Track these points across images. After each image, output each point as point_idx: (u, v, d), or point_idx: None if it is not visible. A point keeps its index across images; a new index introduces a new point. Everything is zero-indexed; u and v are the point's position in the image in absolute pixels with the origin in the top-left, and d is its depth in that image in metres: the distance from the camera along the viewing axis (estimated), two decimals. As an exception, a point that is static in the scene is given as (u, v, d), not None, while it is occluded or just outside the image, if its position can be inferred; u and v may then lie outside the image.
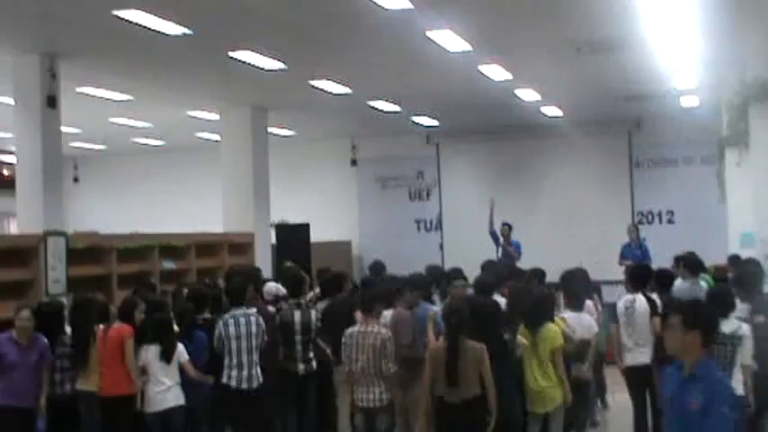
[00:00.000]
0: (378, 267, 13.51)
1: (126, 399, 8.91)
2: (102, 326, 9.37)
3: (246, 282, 9.89)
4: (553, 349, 8.75)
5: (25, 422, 9.22)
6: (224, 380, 9.21)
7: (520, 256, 16.97)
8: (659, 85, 16.11)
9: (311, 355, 9.92)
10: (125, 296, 10.44)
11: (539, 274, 11.36)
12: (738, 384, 8.42)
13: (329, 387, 10.63)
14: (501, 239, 17.83)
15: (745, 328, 8.62)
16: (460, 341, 7.68)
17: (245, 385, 9.15)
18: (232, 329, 9.16)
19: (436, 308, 9.47)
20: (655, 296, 9.88)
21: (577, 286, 10.50)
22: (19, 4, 10.66)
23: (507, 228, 18.02)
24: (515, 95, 16.89)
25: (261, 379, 9.28)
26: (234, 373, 9.16)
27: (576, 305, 10.34)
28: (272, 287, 11.15)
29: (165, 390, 8.83)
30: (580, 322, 10.28)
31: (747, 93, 10.57)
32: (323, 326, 9.94)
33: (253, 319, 9.32)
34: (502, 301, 9.36)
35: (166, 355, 8.88)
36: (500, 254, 17.52)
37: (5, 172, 23.18)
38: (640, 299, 9.87)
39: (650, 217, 20.92)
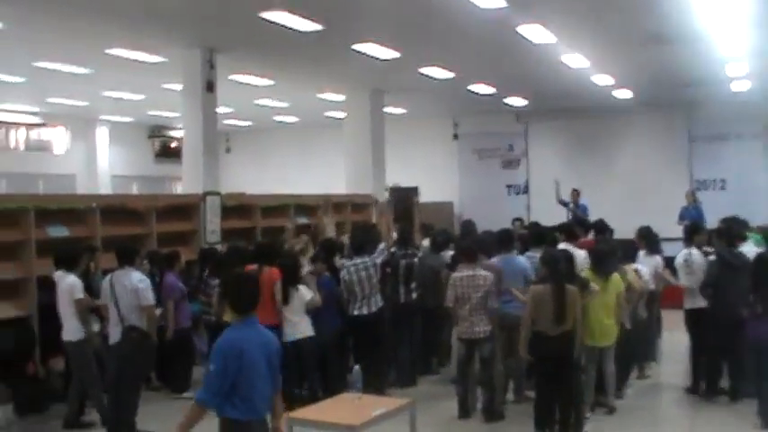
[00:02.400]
0: (468, 225, 13.12)
1: (272, 328, 8.98)
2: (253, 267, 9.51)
3: (367, 238, 10.17)
4: (618, 293, 8.66)
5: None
6: (351, 313, 9.56)
7: (587, 216, 16.61)
8: (713, 72, 15.56)
9: (411, 288, 10.35)
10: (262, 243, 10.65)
11: (610, 230, 11.53)
12: None
13: (434, 319, 10.54)
14: (570, 204, 17.59)
15: None
16: (565, 285, 7.65)
17: (365, 311, 9.54)
18: (355, 276, 9.49)
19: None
20: (710, 249, 9.57)
21: (653, 236, 10.73)
22: (186, 10, 10.84)
23: (576, 193, 17.77)
24: (592, 81, 16.55)
25: (380, 304, 9.66)
26: (358, 304, 9.54)
27: (654, 250, 10.55)
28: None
29: (293, 324, 8.89)
30: (651, 262, 10.29)
31: (791, 80, 10.19)
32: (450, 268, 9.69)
33: (369, 263, 9.65)
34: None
35: (285, 298, 8.88)
36: (570, 216, 17.25)
37: (173, 144, 23.65)
38: (695, 252, 9.64)
39: (705, 184, 20.28)
